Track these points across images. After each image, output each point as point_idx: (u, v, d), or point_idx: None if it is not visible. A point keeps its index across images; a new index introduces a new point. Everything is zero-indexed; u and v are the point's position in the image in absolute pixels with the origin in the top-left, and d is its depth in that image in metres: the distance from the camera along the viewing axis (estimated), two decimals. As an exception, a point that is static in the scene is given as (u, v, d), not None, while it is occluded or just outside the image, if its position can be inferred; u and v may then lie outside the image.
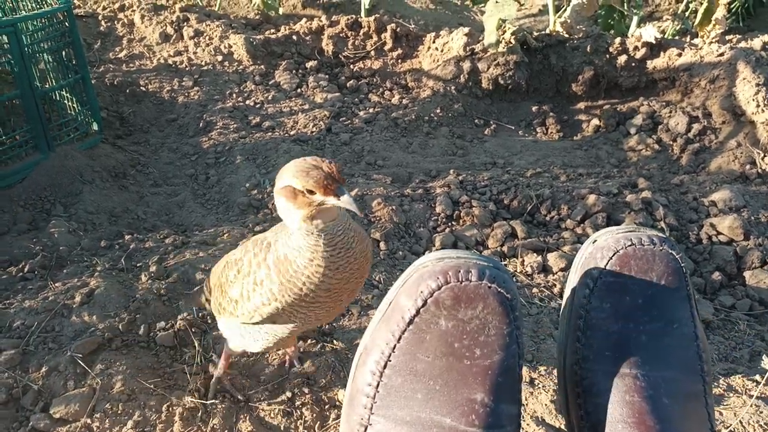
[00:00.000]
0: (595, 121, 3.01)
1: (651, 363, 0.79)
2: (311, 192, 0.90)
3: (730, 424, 1.39)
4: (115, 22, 3.45)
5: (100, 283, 1.64)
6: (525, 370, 1.53)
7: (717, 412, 1.42)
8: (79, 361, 1.42)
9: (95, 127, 2.47)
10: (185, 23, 3.38)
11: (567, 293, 0.84)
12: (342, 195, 0.89)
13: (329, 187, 0.89)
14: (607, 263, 0.79)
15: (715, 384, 1.51)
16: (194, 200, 2.26)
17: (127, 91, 2.90)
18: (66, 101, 2.47)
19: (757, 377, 1.54)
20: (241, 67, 3.17)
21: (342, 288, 1.02)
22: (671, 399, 0.78)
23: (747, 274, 1.98)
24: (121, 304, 1.59)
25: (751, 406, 1.43)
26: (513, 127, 3.03)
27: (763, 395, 1.47)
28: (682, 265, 0.80)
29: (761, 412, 1.42)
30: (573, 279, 0.84)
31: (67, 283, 1.68)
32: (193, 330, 1.55)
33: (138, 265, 1.79)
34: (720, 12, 3.23)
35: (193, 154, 2.55)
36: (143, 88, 2.94)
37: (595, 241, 0.82)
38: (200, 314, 1.60)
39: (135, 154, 2.53)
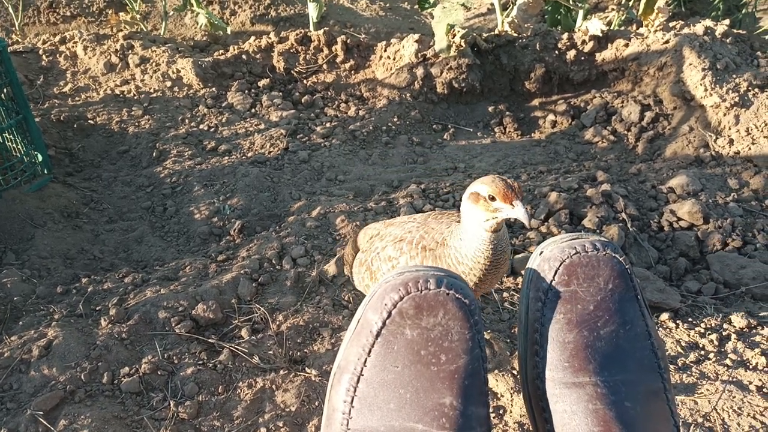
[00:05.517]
0: (551, 117, 3.04)
1: (609, 368, 0.80)
2: (492, 198, 1.06)
3: (706, 412, 1.41)
4: (57, 55, 3.35)
5: (58, 333, 1.57)
6: (503, 377, 1.52)
7: (691, 401, 1.43)
8: (41, 419, 1.35)
9: (43, 167, 2.38)
10: (130, 51, 3.30)
11: (521, 308, 0.85)
12: (517, 206, 1.05)
13: (508, 196, 1.04)
14: (554, 274, 0.81)
15: (687, 373, 1.53)
16: (152, 234, 2.20)
17: (75, 125, 2.81)
18: (9, 143, 2.38)
19: (728, 361, 1.56)
20: (191, 91, 3.11)
21: (486, 280, 1.23)
22: (633, 401, 0.79)
23: (710, 257, 2.02)
24: (81, 353, 1.53)
25: (724, 391, 1.44)
26: (471, 129, 3.04)
27: (734, 379, 1.49)
28: (627, 266, 0.82)
29: (734, 397, 1.44)
30: (525, 293, 0.84)
31: (24, 335, 1.61)
32: (160, 372, 1.50)
33: (97, 308, 1.73)
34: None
35: (149, 185, 2.48)
36: (91, 122, 2.86)
37: (542, 252, 0.83)
38: (165, 355, 1.55)
39: (87, 191, 2.45)
